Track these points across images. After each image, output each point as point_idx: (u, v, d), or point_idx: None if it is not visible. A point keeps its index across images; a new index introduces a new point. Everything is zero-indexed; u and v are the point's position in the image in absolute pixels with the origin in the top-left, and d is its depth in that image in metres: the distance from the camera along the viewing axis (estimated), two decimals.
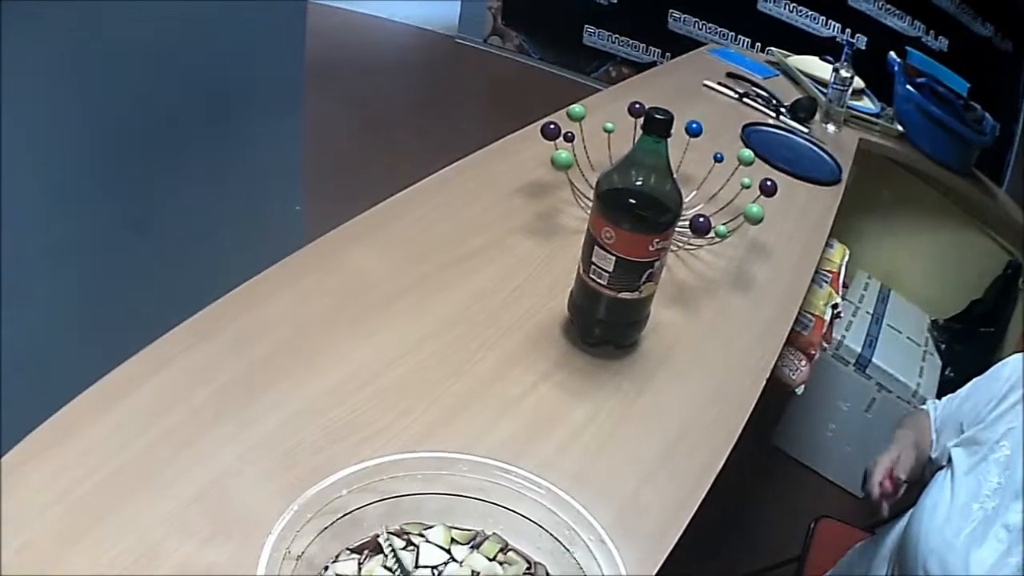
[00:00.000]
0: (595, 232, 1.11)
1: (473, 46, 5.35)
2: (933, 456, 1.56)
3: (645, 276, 1.12)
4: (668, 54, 4.67)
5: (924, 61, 2.70)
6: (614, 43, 4.93)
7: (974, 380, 1.57)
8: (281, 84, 1.99)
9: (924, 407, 1.67)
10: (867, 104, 2.61)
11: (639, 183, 1.10)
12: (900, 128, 2.59)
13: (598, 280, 1.13)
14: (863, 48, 4.12)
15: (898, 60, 2.62)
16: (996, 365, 1.52)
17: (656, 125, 1.07)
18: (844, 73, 2.28)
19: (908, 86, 2.56)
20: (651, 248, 1.09)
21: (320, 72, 4.27)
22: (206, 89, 1.76)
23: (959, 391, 1.60)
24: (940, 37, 3.96)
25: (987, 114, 2.73)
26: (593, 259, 1.12)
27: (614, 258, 1.10)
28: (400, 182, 1.50)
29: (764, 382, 1.26)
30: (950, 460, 1.44)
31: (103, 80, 1.52)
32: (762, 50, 3.81)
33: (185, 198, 1.79)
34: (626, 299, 1.14)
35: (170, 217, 1.76)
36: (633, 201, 1.09)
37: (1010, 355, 1.50)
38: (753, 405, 1.21)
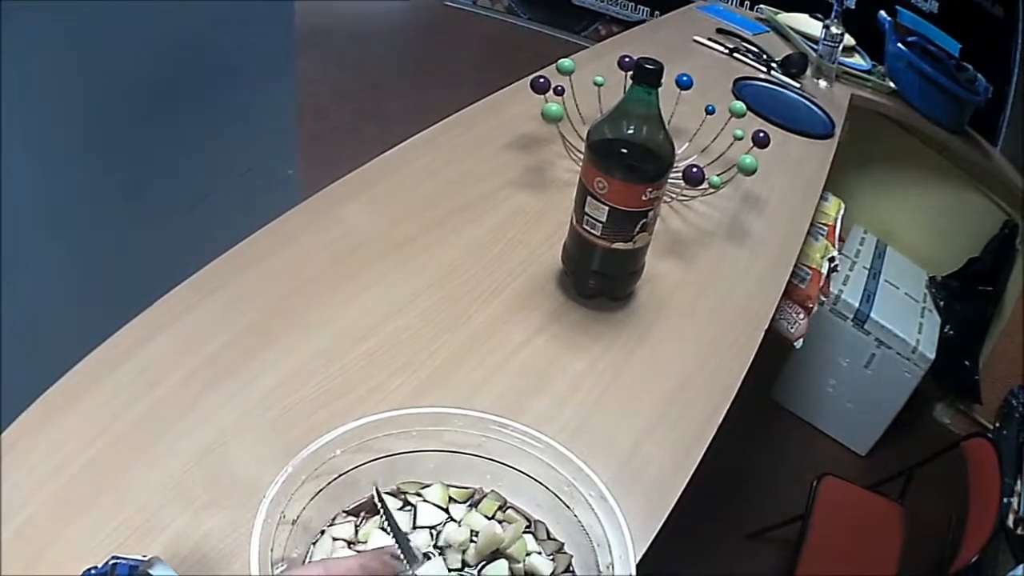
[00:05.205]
0: (587, 182, 1.09)
1: (462, 8, 5.29)
2: None
3: (639, 226, 1.10)
4: (657, 12, 4.62)
5: (915, 20, 2.69)
6: (603, 1, 4.87)
7: None
8: (272, 50, 2.00)
9: None
10: (858, 61, 2.58)
11: (631, 132, 1.08)
12: (892, 85, 2.57)
13: (592, 231, 1.11)
14: (852, 8, 4.06)
15: (888, 18, 2.60)
16: None
17: (646, 75, 1.05)
18: (834, 29, 2.26)
19: (899, 44, 2.54)
20: (644, 198, 1.07)
21: (311, 38, 4.25)
22: (199, 57, 1.77)
23: None
24: None
25: (979, 74, 2.71)
26: (586, 210, 1.10)
27: (607, 208, 1.08)
28: (391, 145, 1.49)
29: (763, 333, 1.24)
30: None
31: (98, 49, 1.53)
32: (751, 7, 3.77)
33: (179, 164, 1.81)
34: (620, 250, 1.12)
35: (164, 183, 1.77)
36: (625, 150, 1.07)
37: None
38: (752, 357, 1.19)
